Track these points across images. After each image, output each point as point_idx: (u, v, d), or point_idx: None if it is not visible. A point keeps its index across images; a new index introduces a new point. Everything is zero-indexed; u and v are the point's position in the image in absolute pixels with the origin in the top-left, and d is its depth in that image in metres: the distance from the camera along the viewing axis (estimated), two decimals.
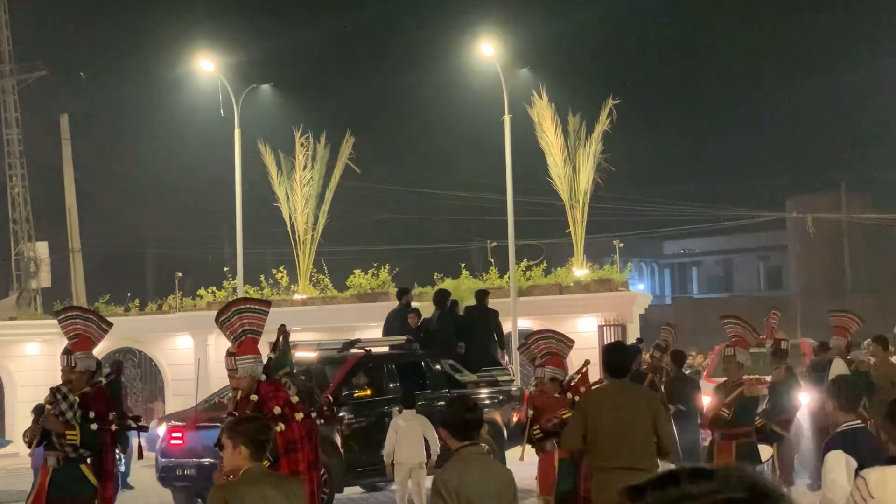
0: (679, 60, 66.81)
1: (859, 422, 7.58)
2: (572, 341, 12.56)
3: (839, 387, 7.93)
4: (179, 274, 33.10)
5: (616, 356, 9.65)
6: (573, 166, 30.17)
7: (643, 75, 60.80)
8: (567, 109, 30.38)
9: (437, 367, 18.62)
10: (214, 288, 31.82)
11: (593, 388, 11.68)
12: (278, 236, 33.44)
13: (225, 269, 33.00)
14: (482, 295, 22.48)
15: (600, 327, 28.09)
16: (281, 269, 31.43)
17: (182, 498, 16.69)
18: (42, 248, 38.61)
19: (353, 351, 18.18)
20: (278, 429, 9.44)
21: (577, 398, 11.18)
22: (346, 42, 59.74)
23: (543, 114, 30.23)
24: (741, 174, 59.37)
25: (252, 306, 10.31)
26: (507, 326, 28.80)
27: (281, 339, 12.38)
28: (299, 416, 9.92)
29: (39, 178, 40.58)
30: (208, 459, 15.15)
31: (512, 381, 20.57)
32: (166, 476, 16.48)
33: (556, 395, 11.58)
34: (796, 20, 64.03)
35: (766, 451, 14.68)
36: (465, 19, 32.29)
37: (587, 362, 13.95)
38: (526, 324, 28.92)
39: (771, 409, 14.89)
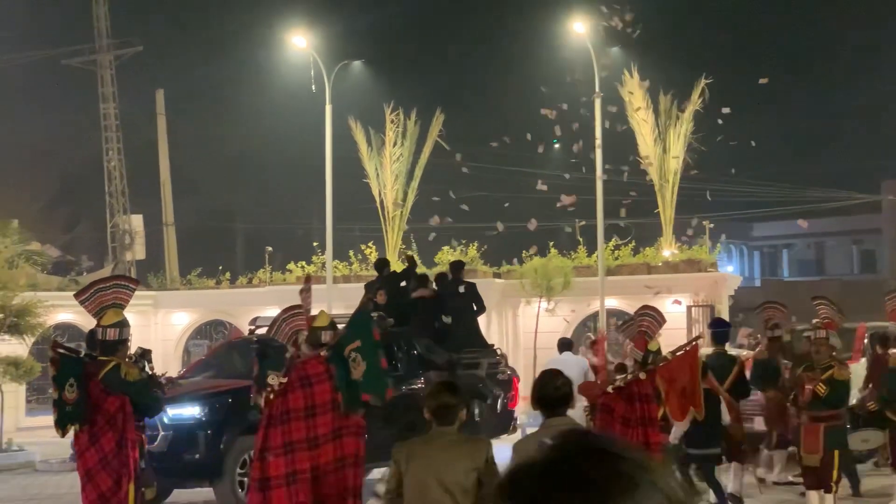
0: (775, 40, 65.84)
1: None
2: (663, 319, 12.22)
3: None
4: (269, 248, 33.49)
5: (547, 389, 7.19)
6: (663, 146, 29.99)
7: (737, 55, 60.02)
8: (658, 89, 30.18)
9: (410, 347, 17.02)
10: (304, 263, 32.15)
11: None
12: (367, 212, 33.66)
13: (314, 243, 33.30)
14: (458, 266, 19.67)
15: (688, 308, 27.90)
16: (369, 244, 31.65)
17: None
18: (137, 220, 39.29)
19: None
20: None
21: (610, 388, 10.89)
22: (439, 18, 59.81)
23: (634, 93, 30.06)
24: (836, 156, 58.43)
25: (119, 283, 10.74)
26: (594, 306, 28.79)
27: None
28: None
29: (135, 153, 41.26)
30: None
31: (499, 363, 18.54)
32: None
33: (616, 380, 11.16)
34: None
35: (877, 438, 14.44)
36: None
37: (698, 337, 13.69)
38: (613, 303, 28.85)
39: (888, 395, 14.53)
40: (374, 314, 16.80)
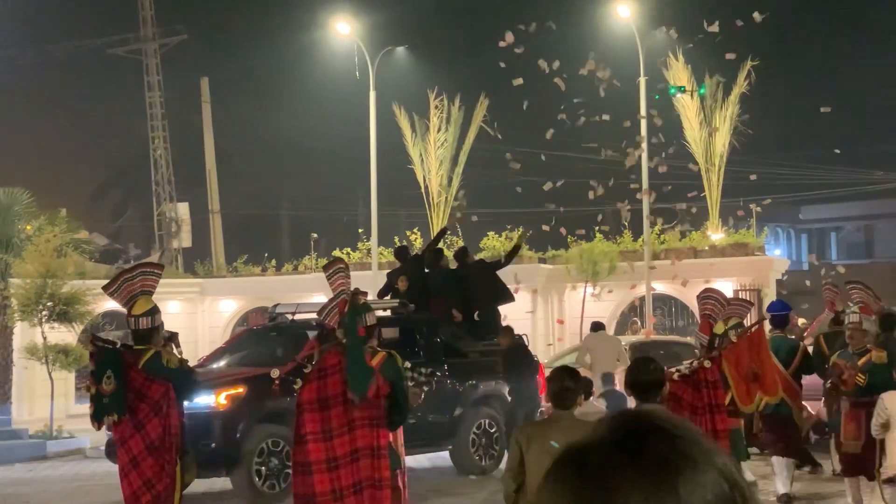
0: (824, 19, 65.15)
1: None
2: (727, 301, 11.95)
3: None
4: (315, 235, 33.58)
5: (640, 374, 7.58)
6: (709, 129, 29.77)
7: (785, 35, 59.45)
8: (704, 71, 29.94)
9: (434, 335, 16.60)
10: (349, 249, 32.20)
11: None
12: (412, 198, 33.68)
13: (359, 230, 33.38)
14: (464, 253, 19.52)
15: (735, 292, 27.69)
16: (415, 230, 31.66)
17: None
18: (183, 208, 39.56)
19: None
20: None
21: (676, 376, 10.71)
22: (482, 3, 59.63)
23: (679, 76, 29.84)
24: (884, 137, 57.72)
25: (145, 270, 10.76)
26: (640, 290, 28.66)
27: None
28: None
29: (180, 141, 41.50)
30: None
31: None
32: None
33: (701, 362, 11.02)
34: None
35: None
36: None
37: (761, 320, 13.35)
38: (660, 287, 28.72)
39: None
40: (396, 301, 16.93)
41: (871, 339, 13.05)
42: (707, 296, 11.93)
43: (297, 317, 16.69)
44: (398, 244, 31.60)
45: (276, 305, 17.88)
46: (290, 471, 14.06)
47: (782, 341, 14.17)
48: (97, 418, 10.07)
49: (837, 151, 32.14)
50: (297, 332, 15.80)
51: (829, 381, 12.93)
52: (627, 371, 7.47)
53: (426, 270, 18.93)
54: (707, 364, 10.64)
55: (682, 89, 29.17)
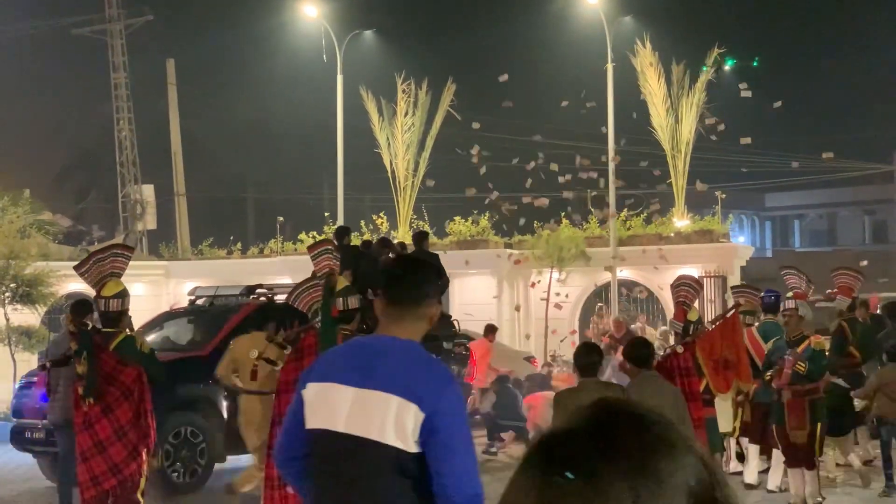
0: (787, 8, 65.45)
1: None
2: (701, 287, 11.84)
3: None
4: (281, 218, 33.46)
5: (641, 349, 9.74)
6: (676, 116, 29.86)
7: (751, 24, 59.70)
8: (671, 58, 30.03)
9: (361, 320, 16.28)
10: (315, 233, 32.12)
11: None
12: (379, 182, 33.62)
13: (325, 214, 33.28)
14: (421, 237, 18.78)
15: (700, 278, 27.83)
16: (381, 214, 31.62)
17: (47, 464, 14.67)
18: (148, 190, 39.30)
19: (261, 298, 16.11)
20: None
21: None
22: None
23: (646, 63, 29.91)
24: (848, 125, 58.10)
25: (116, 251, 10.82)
26: (606, 276, 28.75)
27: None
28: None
29: (146, 122, 41.20)
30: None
31: (456, 336, 17.57)
32: (18, 438, 14.92)
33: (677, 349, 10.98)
34: None
35: None
36: None
37: (736, 305, 13.07)
38: (626, 274, 28.81)
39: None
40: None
41: (808, 325, 12.97)
42: (681, 283, 11.84)
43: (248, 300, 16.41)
44: (364, 227, 31.62)
45: (195, 288, 17.57)
46: (202, 460, 14.32)
47: (774, 326, 13.75)
48: (84, 398, 10.00)
49: (830, 155, 32.40)
50: (215, 316, 15.55)
51: (768, 375, 12.64)
52: (626, 347, 9.60)
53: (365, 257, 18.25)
54: (680, 350, 10.63)
55: (732, 62, 29.25)
